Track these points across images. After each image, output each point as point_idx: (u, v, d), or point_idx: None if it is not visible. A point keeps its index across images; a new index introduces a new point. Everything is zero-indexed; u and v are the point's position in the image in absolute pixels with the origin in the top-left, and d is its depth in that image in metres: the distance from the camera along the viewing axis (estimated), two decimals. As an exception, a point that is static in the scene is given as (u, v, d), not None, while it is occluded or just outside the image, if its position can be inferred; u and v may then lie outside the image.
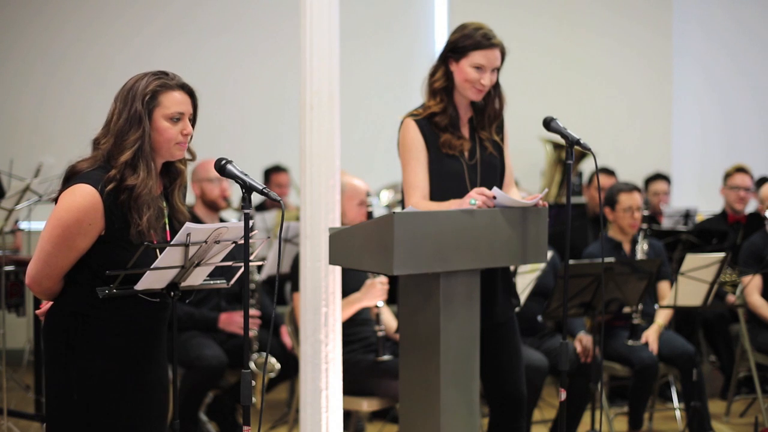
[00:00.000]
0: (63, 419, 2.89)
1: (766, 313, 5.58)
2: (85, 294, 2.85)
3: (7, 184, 6.58)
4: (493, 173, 3.76)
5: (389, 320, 4.81)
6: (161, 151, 2.88)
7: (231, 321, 5.05)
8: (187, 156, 2.98)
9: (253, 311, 5.09)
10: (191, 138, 2.93)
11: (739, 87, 9.19)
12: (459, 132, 3.72)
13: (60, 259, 2.81)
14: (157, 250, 2.81)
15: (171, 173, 2.97)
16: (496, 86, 3.74)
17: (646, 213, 5.54)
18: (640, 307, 5.04)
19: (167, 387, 3.02)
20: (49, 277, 2.84)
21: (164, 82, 2.86)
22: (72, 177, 2.84)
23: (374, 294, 4.61)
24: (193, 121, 2.93)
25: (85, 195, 2.77)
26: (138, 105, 2.82)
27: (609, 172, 7.51)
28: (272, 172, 7.77)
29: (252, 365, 4.94)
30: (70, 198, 2.79)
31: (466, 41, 3.64)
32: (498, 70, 3.69)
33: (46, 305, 2.97)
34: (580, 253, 5.54)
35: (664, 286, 5.54)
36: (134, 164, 2.81)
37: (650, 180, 7.78)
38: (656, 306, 5.37)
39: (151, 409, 2.96)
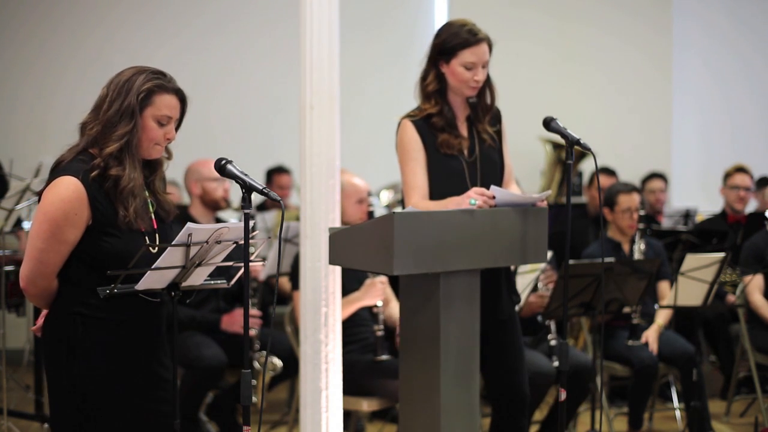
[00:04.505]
0: (68, 422, 2.87)
1: (767, 313, 5.58)
2: (82, 294, 2.84)
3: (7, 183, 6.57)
4: (493, 168, 3.77)
5: (396, 312, 4.78)
6: (139, 149, 2.89)
7: (233, 321, 5.04)
8: (164, 155, 2.99)
9: (254, 311, 5.09)
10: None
11: (740, 86, 9.19)
12: (457, 131, 3.73)
13: (52, 255, 2.81)
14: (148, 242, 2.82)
15: (151, 165, 2.98)
16: (487, 79, 3.75)
17: (642, 213, 5.54)
18: (639, 307, 5.04)
19: (170, 385, 2.99)
20: (43, 276, 2.83)
21: (161, 83, 2.87)
22: (56, 168, 2.85)
23: (374, 293, 4.61)
24: (177, 126, 2.94)
25: (68, 186, 2.78)
26: (132, 99, 2.82)
27: (609, 172, 7.50)
28: (274, 173, 7.77)
29: (256, 364, 4.94)
30: (53, 192, 2.80)
31: (453, 41, 3.65)
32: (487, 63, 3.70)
33: (40, 321, 2.95)
34: (579, 254, 5.54)
35: (664, 286, 5.54)
36: (120, 158, 2.83)
37: (646, 179, 7.78)
38: (656, 306, 5.37)
39: (155, 407, 2.94)
